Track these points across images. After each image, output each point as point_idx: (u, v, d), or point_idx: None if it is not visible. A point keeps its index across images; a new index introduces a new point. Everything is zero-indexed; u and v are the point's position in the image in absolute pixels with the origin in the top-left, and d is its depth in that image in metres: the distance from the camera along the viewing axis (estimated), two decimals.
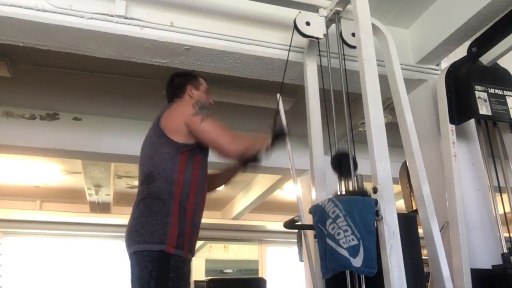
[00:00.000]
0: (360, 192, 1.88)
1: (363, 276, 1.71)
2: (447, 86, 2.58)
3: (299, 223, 1.88)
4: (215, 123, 1.98)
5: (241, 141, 2.00)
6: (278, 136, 2.09)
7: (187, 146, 1.96)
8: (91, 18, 2.28)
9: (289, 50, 2.41)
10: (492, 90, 2.52)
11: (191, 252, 1.91)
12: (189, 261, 1.91)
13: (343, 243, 1.65)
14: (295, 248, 5.12)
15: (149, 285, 1.73)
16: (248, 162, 2.14)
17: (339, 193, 1.94)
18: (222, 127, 1.98)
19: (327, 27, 2.40)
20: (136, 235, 1.83)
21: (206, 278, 4.39)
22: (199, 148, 2.01)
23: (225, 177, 2.34)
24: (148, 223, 1.82)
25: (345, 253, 1.63)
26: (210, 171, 2.17)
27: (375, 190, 1.74)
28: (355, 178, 1.95)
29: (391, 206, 1.71)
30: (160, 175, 1.90)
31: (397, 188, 2.60)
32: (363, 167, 2.03)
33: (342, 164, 2.01)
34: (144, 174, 1.97)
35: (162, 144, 1.95)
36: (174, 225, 1.82)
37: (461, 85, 2.55)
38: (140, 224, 1.84)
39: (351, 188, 1.92)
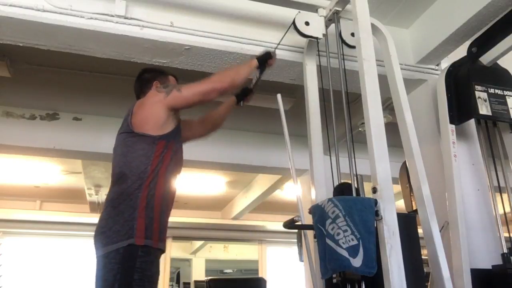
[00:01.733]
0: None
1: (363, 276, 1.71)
2: (447, 86, 2.58)
3: (299, 223, 1.88)
4: (190, 84, 2.02)
5: (224, 75, 2.12)
6: (263, 56, 2.25)
7: (163, 138, 1.95)
8: (91, 18, 2.28)
9: (276, 48, 2.42)
10: (492, 90, 2.52)
11: (162, 241, 1.87)
12: (160, 251, 1.87)
13: (343, 243, 1.65)
14: (295, 248, 5.11)
15: (113, 287, 1.70)
16: (241, 91, 2.42)
17: None
18: (198, 82, 2.02)
19: (327, 27, 2.40)
20: (103, 237, 1.80)
21: (206, 278, 4.40)
22: (174, 136, 2.01)
23: (220, 114, 2.48)
24: (115, 223, 1.80)
25: (344, 253, 1.63)
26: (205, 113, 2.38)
27: (374, 190, 1.74)
28: (354, 178, 1.95)
29: (391, 206, 1.71)
30: (132, 172, 1.88)
31: (397, 188, 2.60)
32: (363, 167, 2.03)
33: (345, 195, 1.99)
34: (116, 174, 1.94)
35: (136, 142, 1.93)
36: (141, 217, 1.79)
37: (461, 85, 2.55)
38: (107, 226, 1.82)
39: None
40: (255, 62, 2.23)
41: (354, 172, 1.99)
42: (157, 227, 1.84)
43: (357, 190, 1.94)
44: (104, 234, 1.81)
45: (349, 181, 1.98)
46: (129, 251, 1.74)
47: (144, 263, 1.75)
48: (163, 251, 1.90)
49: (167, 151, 1.96)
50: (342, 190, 2.00)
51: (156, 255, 1.84)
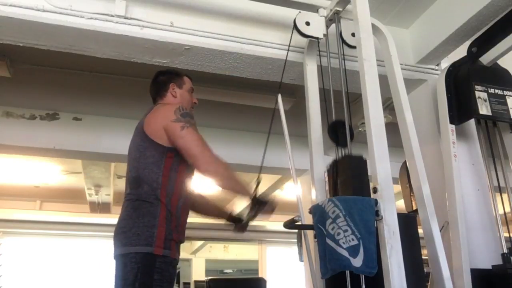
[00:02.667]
0: (355, 157, 1.94)
1: (363, 276, 1.71)
2: (447, 86, 2.58)
3: (299, 223, 1.88)
4: (196, 133, 1.93)
5: (220, 164, 1.91)
6: (257, 201, 1.93)
7: (172, 151, 1.92)
8: (91, 18, 2.28)
9: (288, 50, 2.41)
10: (492, 90, 2.52)
11: (179, 251, 1.91)
12: (177, 262, 1.90)
13: (343, 243, 1.65)
14: (295, 248, 5.12)
15: (134, 286, 1.72)
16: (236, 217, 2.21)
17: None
18: (202, 139, 1.93)
19: (327, 27, 2.40)
20: (123, 237, 1.82)
21: (206, 278, 4.40)
22: None
23: (208, 210, 2.34)
24: (135, 225, 1.81)
25: (345, 253, 1.63)
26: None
27: (375, 190, 1.74)
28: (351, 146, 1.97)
29: (391, 206, 1.71)
30: (145, 179, 1.89)
31: (397, 188, 2.60)
32: None
33: (338, 132, 2.08)
34: (131, 177, 1.96)
35: (147, 148, 1.93)
36: (161, 227, 1.81)
37: (461, 85, 2.55)
38: (127, 226, 1.84)
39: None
40: (248, 197, 1.94)
41: None
42: (175, 238, 1.87)
43: (350, 128, 2.01)
44: (124, 234, 1.83)
45: (342, 119, 2.05)
46: (147, 257, 1.76)
47: (163, 263, 1.78)
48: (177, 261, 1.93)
49: (178, 166, 1.94)
50: (335, 128, 2.10)
51: (175, 259, 1.87)
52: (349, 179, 1.91)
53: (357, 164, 1.93)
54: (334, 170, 2.02)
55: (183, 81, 2.19)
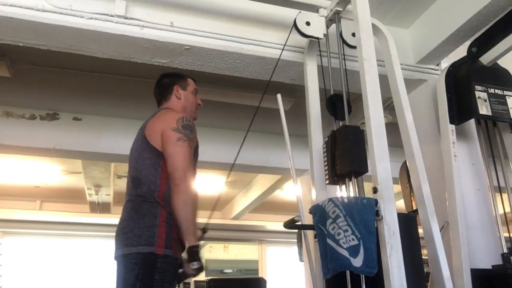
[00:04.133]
0: (353, 127, 1.96)
1: (363, 276, 1.71)
2: (447, 86, 2.58)
3: (299, 223, 1.88)
4: (189, 150, 1.91)
5: (190, 191, 1.84)
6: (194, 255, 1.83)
7: None
8: (91, 18, 2.28)
9: (282, 49, 2.43)
10: (492, 90, 2.52)
11: (180, 252, 1.90)
12: (180, 261, 1.89)
13: (343, 243, 1.65)
14: (295, 248, 5.12)
15: (135, 287, 1.73)
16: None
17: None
18: (191, 159, 1.92)
19: (327, 27, 2.40)
20: (124, 238, 1.83)
21: (206, 278, 4.39)
22: None
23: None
24: (136, 226, 1.82)
25: (345, 253, 1.63)
26: None
27: (375, 190, 1.74)
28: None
29: (391, 206, 1.71)
30: (144, 180, 1.90)
31: (397, 188, 2.60)
32: None
33: (336, 106, 2.13)
34: (132, 177, 1.98)
35: (145, 150, 1.95)
36: (162, 227, 1.82)
37: (461, 85, 2.55)
38: (128, 227, 1.84)
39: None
40: (194, 242, 1.84)
41: None
42: (177, 238, 1.86)
43: (348, 102, 2.05)
44: (125, 235, 1.83)
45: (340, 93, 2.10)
46: (148, 257, 1.76)
47: (164, 263, 1.78)
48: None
49: None
50: (334, 101, 2.14)
51: (176, 259, 1.86)
52: (346, 150, 1.90)
53: (354, 134, 1.93)
54: (332, 142, 2.00)
55: (187, 83, 2.21)
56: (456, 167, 2.42)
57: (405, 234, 1.71)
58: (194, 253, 1.83)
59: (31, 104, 3.85)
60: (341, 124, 2.13)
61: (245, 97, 3.57)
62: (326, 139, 2.07)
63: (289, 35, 2.40)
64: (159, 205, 1.86)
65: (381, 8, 2.72)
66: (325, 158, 2.06)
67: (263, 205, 6.84)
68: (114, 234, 1.91)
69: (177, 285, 1.94)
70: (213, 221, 2.53)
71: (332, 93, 2.22)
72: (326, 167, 2.05)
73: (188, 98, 2.18)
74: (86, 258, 7.30)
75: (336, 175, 1.97)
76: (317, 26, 2.36)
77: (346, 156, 1.90)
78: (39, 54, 2.63)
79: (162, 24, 2.41)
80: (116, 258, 1.85)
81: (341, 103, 2.14)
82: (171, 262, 1.82)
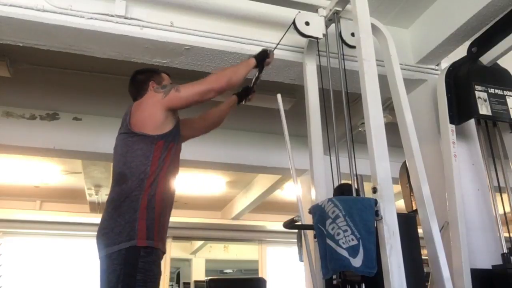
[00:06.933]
0: None
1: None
2: (447, 86, 2.58)
3: (299, 223, 1.88)
4: (187, 84, 2.03)
5: (222, 75, 2.13)
6: (260, 55, 2.28)
7: (161, 137, 1.96)
8: (91, 18, 2.28)
9: (275, 48, 2.44)
10: (492, 90, 2.52)
11: (161, 241, 1.89)
12: (162, 252, 1.88)
13: (343, 243, 1.65)
14: (295, 248, 5.11)
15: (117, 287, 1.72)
16: (242, 90, 2.50)
17: None
18: (196, 82, 2.04)
19: (327, 27, 2.40)
20: (105, 238, 1.82)
21: (206, 278, 4.40)
22: (173, 136, 2.01)
23: (221, 112, 2.50)
24: (116, 225, 1.81)
25: (344, 253, 1.63)
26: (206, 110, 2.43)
27: (374, 190, 1.74)
28: (354, 178, 1.95)
29: (391, 206, 1.71)
30: (132, 173, 1.89)
31: (397, 188, 2.60)
32: (363, 167, 2.03)
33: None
34: (116, 174, 1.96)
35: (135, 141, 1.95)
36: (142, 219, 1.81)
37: (461, 85, 2.55)
38: (109, 227, 1.83)
39: None
40: (253, 61, 2.26)
41: (354, 172, 1.99)
42: (157, 228, 1.86)
43: (357, 190, 1.94)
44: (106, 235, 1.83)
45: (349, 182, 1.97)
46: (131, 252, 1.76)
47: (146, 263, 1.77)
48: (164, 252, 1.91)
49: (166, 153, 1.97)
50: (342, 191, 2.00)
51: (158, 255, 1.86)
52: None
53: None
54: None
55: (162, 78, 2.20)
56: (456, 167, 2.42)
57: (405, 234, 1.71)
58: (257, 58, 2.26)
59: (31, 104, 3.86)
60: None
61: None
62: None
63: (284, 34, 2.41)
64: (142, 194, 1.85)
65: (381, 8, 2.72)
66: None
67: (263, 205, 6.84)
68: None
69: (252, 89, 2.48)
70: (213, 221, 2.54)
71: (340, 183, 2.10)
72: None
73: None
74: (86, 258, 7.29)
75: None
76: (316, 26, 2.35)
77: None
78: (39, 54, 2.63)
79: (162, 24, 2.41)
80: (100, 258, 1.84)
81: (349, 194, 1.97)
82: (153, 261, 1.80)
